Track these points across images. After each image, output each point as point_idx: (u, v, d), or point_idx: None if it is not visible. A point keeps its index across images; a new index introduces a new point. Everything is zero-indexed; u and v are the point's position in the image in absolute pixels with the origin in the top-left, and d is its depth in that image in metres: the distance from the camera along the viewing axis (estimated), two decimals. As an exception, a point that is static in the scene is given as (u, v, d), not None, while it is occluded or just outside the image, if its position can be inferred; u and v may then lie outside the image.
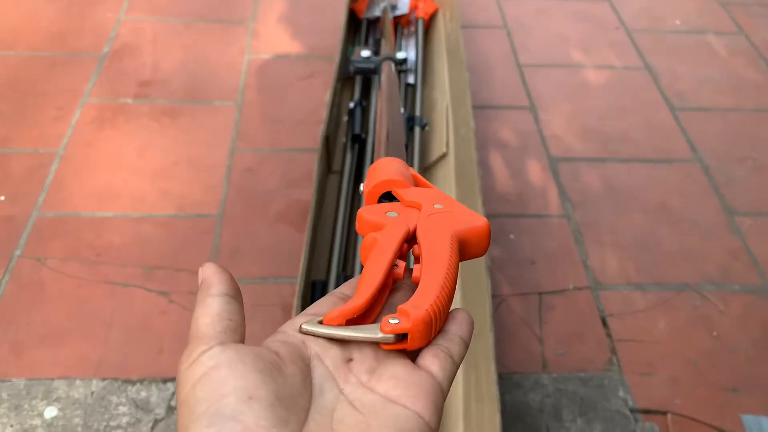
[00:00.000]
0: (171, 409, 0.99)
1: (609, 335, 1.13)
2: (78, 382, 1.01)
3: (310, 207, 1.10)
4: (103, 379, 1.02)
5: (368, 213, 0.37)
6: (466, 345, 0.30)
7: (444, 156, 1.22)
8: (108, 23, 1.77)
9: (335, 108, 1.30)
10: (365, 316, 0.30)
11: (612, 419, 1.02)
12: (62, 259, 1.18)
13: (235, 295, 0.29)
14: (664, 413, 1.03)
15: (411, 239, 0.35)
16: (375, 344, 0.29)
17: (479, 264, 1.00)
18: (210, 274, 0.29)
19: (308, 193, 1.32)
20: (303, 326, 0.28)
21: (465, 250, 0.35)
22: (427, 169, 1.25)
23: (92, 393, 1.00)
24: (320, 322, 0.29)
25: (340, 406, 0.25)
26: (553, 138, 1.51)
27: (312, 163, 1.38)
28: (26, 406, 0.98)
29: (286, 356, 0.26)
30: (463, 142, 1.20)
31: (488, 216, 1.30)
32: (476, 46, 1.78)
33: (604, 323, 1.15)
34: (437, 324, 0.29)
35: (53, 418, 0.97)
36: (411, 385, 0.26)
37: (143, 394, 1.00)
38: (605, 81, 1.70)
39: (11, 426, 0.96)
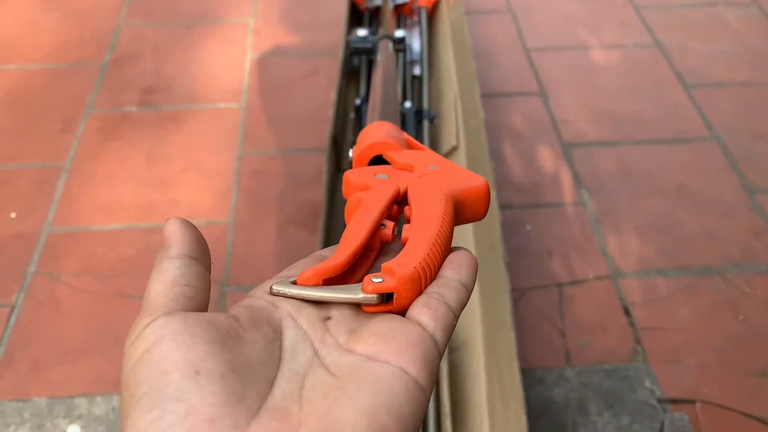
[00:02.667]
0: (193, 422, 0.99)
1: (632, 324, 1.11)
2: (99, 398, 1.01)
3: (321, 208, 1.08)
4: (124, 395, 1.01)
5: (355, 175, 0.33)
6: (468, 289, 0.26)
7: (455, 149, 1.20)
8: (108, 30, 1.76)
9: (341, 106, 1.28)
10: (346, 277, 0.27)
11: (639, 411, 1.00)
12: (76, 274, 1.17)
13: (198, 256, 0.25)
14: (693, 402, 1.01)
15: (402, 201, 0.32)
16: (356, 305, 0.26)
17: (497, 259, 0.98)
18: (170, 232, 0.25)
19: (318, 194, 1.30)
20: (273, 287, 0.25)
21: (462, 211, 0.32)
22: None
23: (113, 409, 1.00)
24: (294, 283, 0.25)
25: (313, 370, 0.22)
26: (564, 123, 1.48)
27: (320, 163, 1.36)
28: (49, 425, 0.98)
29: (246, 321, 0.23)
30: (473, 134, 1.17)
31: (502, 207, 1.27)
32: (481, 32, 1.75)
33: (627, 312, 1.13)
34: (427, 281, 0.26)
35: (76, 436, 0.97)
36: (393, 338, 0.22)
37: (164, 407, 1.00)
38: (615, 61, 1.67)
39: (35, 446, 0.96)
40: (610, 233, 1.25)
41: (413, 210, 0.30)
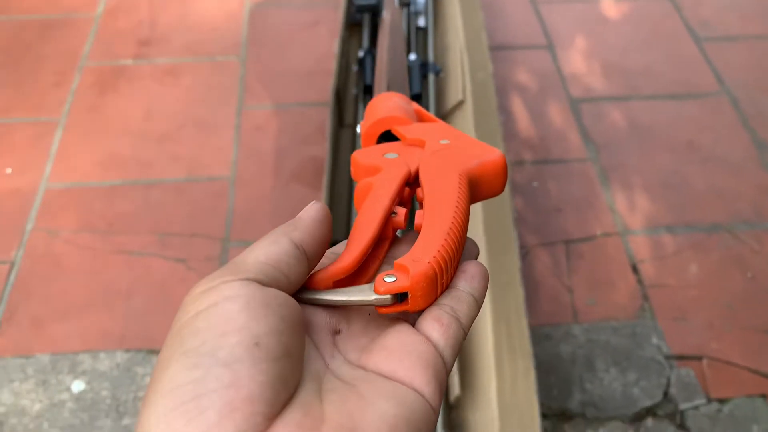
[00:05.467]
0: (198, 378, 0.98)
1: (640, 281, 1.10)
2: (102, 354, 1.00)
3: (324, 164, 1.06)
4: (127, 351, 1.01)
5: (363, 156, 0.31)
6: (478, 304, 0.25)
7: (461, 103, 1.16)
8: (100, -20, 1.69)
9: (344, 58, 1.24)
10: (358, 274, 0.26)
11: (646, 367, 1.00)
12: (75, 231, 1.15)
13: (311, 255, 0.23)
14: (700, 358, 1.01)
15: (414, 182, 0.30)
16: (366, 313, 0.24)
17: (505, 215, 0.96)
18: (305, 217, 0.24)
19: (321, 150, 1.27)
20: None
21: (478, 189, 0.29)
22: (443, 118, 1.20)
23: (118, 365, 0.99)
24: (304, 287, 0.24)
25: (328, 378, 0.21)
26: (573, 77, 1.44)
27: (323, 118, 1.33)
28: (53, 381, 0.98)
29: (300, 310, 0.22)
30: (481, 88, 1.14)
31: (509, 164, 1.25)
32: (487, -17, 1.69)
33: (635, 269, 1.11)
34: (444, 278, 0.24)
35: (81, 392, 0.97)
36: (406, 356, 0.22)
37: (169, 364, 0.99)
38: (625, 13, 1.62)
39: (40, 402, 0.96)
40: (619, 190, 1.23)
41: (425, 194, 0.27)
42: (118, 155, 1.28)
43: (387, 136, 0.35)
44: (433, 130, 0.32)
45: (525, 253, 1.12)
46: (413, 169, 0.29)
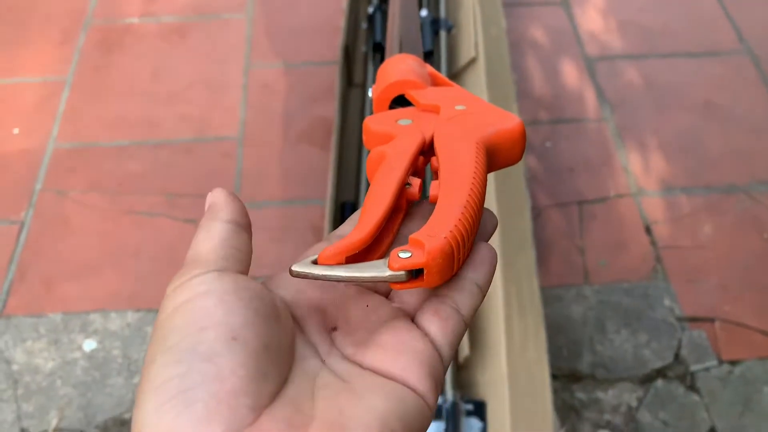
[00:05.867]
0: (208, 337, 0.99)
1: (653, 243, 1.08)
2: (113, 314, 1.01)
3: (333, 124, 1.04)
4: (137, 311, 1.01)
5: (376, 122, 0.30)
6: (483, 293, 0.24)
7: (473, 60, 1.14)
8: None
9: (353, 14, 1.21)
10: (371, 249, 0.24)
11: (658, 329, 0.99)
12: (84, 191, 1.15)
13: (245, 225, 0.24)
14: (712, 320, 1.00)
15: (428, 150, 0.28)
16: (363, 310, 0.24)
17: (517, 175, 0.94)
18: (219, 200, 0.25)
19: (330, 109, 1.25)
20: (293, 268, 0.23)
21: (495, 157, 0.28)
22: (455, 76, 1.17)
23: (128, 324, 1.00)
24: (314, 262, 0.23)
25: (323, 374, 0.21)
26: (588, 35, 1.40)
27: (331, 76, 1.30)
28: (65, 340, 0.98)
29: (283, 306, 0.22)
30: (493, 44, 1.11)
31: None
32: (501, -64, 1.64)
33: (648, 230, 1.10)
34: (461, 253, 0.23)
35: (93, 351, 0.98)
36: (402, 354, 0.21)
37: (179, 323, 1.00)
38: (643, -32, 1.56)
39: (53, 360, 0.97)
40: (633, 150, 1.21)
41: (441, 164, 0.26)
42: (126, 115, 1.27)
43: (400, 101, 0.33)
44: (448, 94, 0.31)
45: (537, 214, 1.11)
46: (428, 137, 0.28)
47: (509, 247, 0.92)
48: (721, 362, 0.96)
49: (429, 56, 1.04)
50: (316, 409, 0.19)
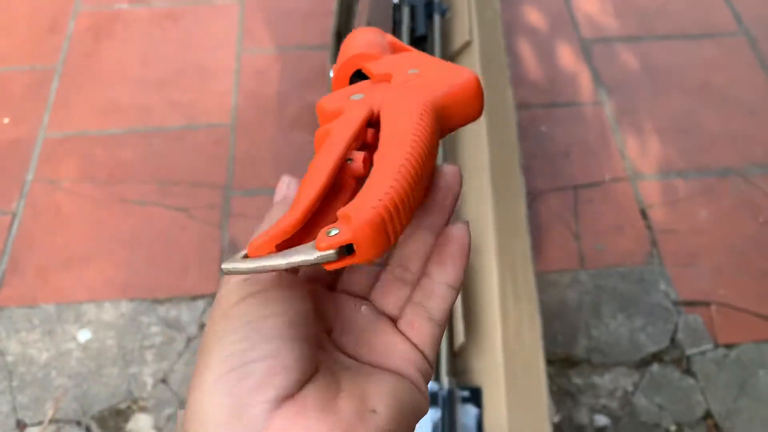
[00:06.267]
0: (203, 327, 0.98)
1: (649, 227, 1.08)
2: (107, 304, 1.00)
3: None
4: (132, 300, 1.01)
5: (329, 101, 0.28)
6: (456, 290, 0.25)
7: (468, 44, 1.12)
8: None
9: (345, -2, 1.19)
10: (309, 233, 0.23)
11: (653, 313, 0.99)
12: (75, 180, 1.14)
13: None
14: (708, 304, 1.00)
15: (377, 122, 0.27)
16: (352, 313, 0.24)
17: (512, 161, 0.94)
18: (291, 192, 0.27)
19: (323, 94, 1.24)
20: (223, 266, 0.22)
21: (450, 116, 0.27)
22: (449, 60, 1.16)
23: (123, 315, 0.99)
24: (246, 256, 0.22)
25: (337, 365, 0.24)
26: (584, 17, 1.39)
27: (324, 61, 1.29)
28: (59, 330, 0.98)
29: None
30: (488, 27, 1.10)
31: (517, 107, 1.21)
32: None
33: (644, 214, 1.09)
34: (398, 220, 0.22)
35: (87, 341, 0.97)
36: (390, 355, 0.24)
37: (173, 312, 0.99)
38: (640, -52, 1.54)
39: (48, 351, 0.96)
40: (629, 133, 1.20)
41: (381, 133, 0.25)
42: (117, 103, 1.25)
43: (361, 77, 0.31)
44: (402, 61, 0.29)
45: (532, 199, 1.10)
46: (377, 109, 0.27)
47: (504, 232, 0.91)
48: (716, 346, 0.96)
49: (423, 40, 1.03)
50: (341, 385, 0.23)
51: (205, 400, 0.21)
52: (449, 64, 0.28)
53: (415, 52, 0.30)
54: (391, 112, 0.26)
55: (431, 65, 0.28)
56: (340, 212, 0.21)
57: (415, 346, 0.25)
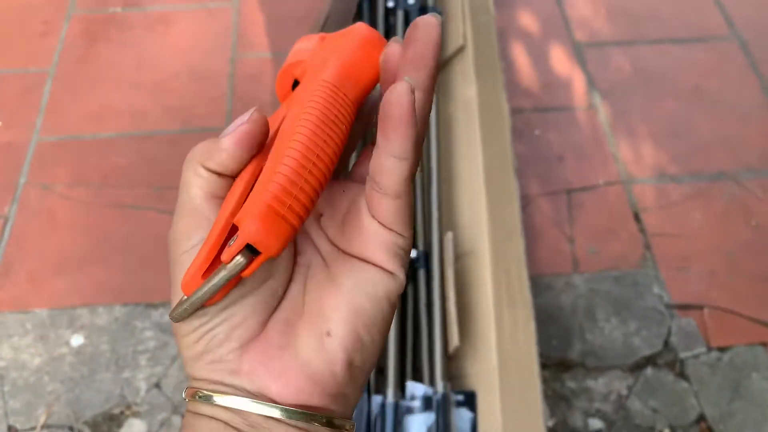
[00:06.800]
0: (197, 331, 0.98)
1: (642, 230, 1.08)
2: (101, 309, 1.00)
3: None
4: (125, 305, 1.00)
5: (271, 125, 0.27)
6: (406, 158, 0.22)
7: (462, 49, 1.13)
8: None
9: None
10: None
11: (647, 316, 1.00)
12: (69, 185, 1.14)
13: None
14: (701, 307, 1.00)
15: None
16: (340, 196, 0.25)
17: (506, 165, 0.94)
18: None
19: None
20: (170, 315, 0.24)
21: (353, 83, 0.25)
22: (443, 65, 1.16)
23: (116, 319, 0.99)
24: (184, 297, 0.23)
25: (315, 261, 0.25)
26: (577, 21, 1.40)
27: (319, 66, 1.29)
28: (52, 335, 0.98)
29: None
30: (482, 32, 1.10)
31: (511, 112, 1.22)
32: None
33: (637, 218, 1.10)
34: (296, 203, 0.21)
35: (80, 346, 0.97)
36: (367, 242, 0.24)
37: (167, 317, 0.99)
38: (632, -47, 1.55)
39: (40, 356, 0.96)
40: (623, 137, 1.20)
41: (270, 140, 0.25)
42: (111, 107, 1.25)
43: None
44: (315, 55, 0.28)
45: (526, 203, 1.11)
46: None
47: (498, 237, 0.91)
48: (710, 349, 0.97)
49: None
50: (306, 304, 0.24)
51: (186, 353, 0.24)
52: (345, 29, 0.27)
53: (328, 39, 0.29)
54: (291, 112, 0.25)
55: (333, 41, 0.27)
56: (235, 220, 0.22)
57: (382, 224, 0.24)
